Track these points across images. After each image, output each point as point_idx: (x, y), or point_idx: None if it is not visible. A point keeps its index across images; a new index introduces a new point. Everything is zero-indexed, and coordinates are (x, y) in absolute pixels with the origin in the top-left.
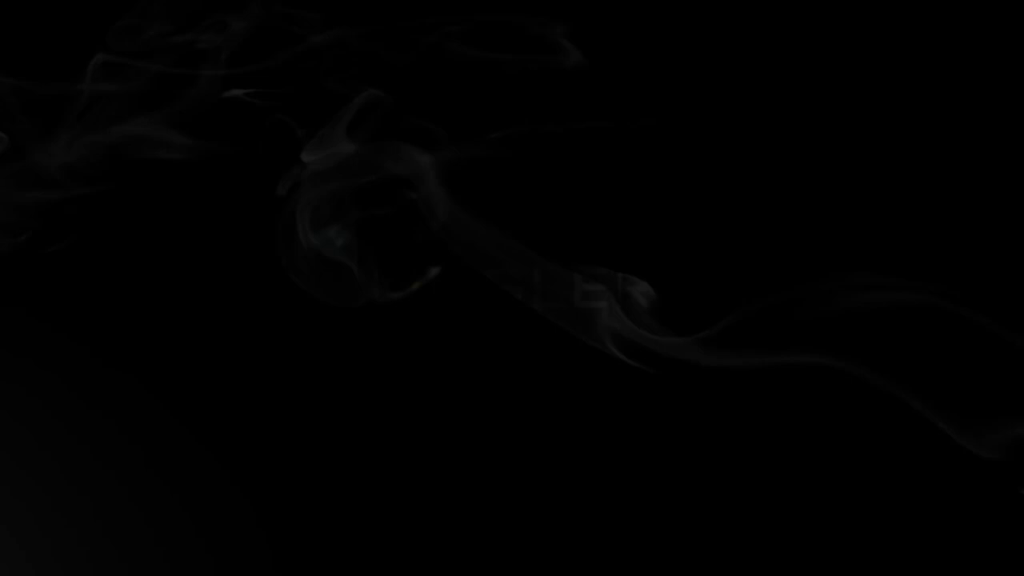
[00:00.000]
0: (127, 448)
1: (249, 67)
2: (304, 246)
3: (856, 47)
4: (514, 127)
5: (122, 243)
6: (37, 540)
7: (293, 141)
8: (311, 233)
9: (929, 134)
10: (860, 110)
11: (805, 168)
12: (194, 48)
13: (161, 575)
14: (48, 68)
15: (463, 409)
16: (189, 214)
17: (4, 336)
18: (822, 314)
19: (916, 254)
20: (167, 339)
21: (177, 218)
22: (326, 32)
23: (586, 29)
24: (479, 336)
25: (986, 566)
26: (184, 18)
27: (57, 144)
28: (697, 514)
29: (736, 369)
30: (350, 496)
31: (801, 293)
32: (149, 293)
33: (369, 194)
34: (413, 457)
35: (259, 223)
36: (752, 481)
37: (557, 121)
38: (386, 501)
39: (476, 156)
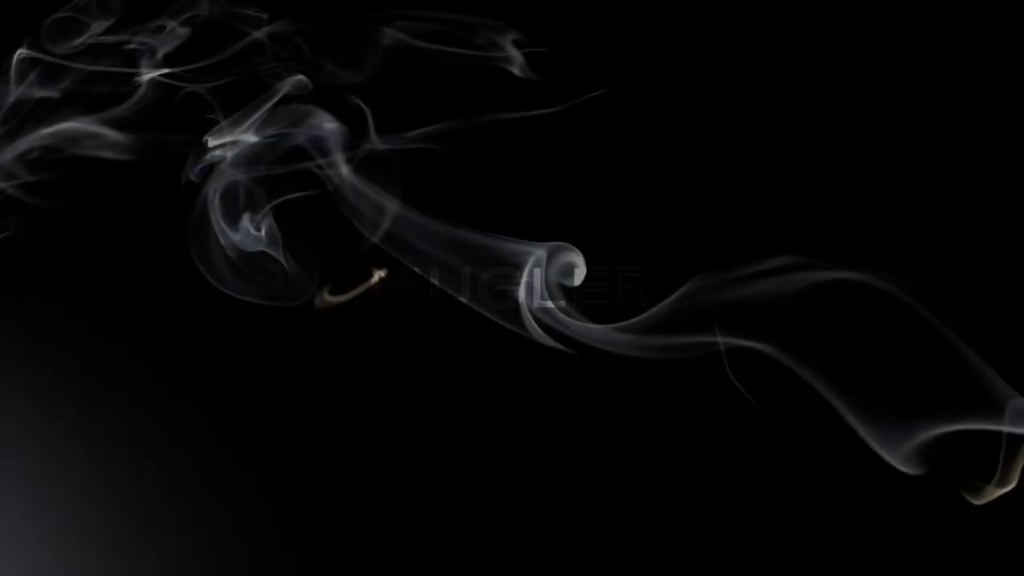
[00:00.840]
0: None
1: (189, 64)
2: (222, 240)
3: (799, 33)
4: (450, 120)
5: (54, 240)
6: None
7: (208, 124)
8: (227, 225)
9: (866, 117)
10: (798, 91)
11: (733, 155)
12: (129, 46)
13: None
14: None
15: (401, 405)
16: (122, 210)
17: None
18: (748, 297)
19: (847, 238)
20: (102, 336)
21: (111, 214)
22: (271, 26)
23: (539, 34)
24: (413, 331)
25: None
26: (122, 14)
27: None
28: (621, 501)
29: (661, 355)
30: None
31: (728, 276)
32: (83, 291)
33: (287, 177)
34: (360, 455)
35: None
36: (676, 468)
37: (489, 113)
38: (324, 504)
39: (406, 150)
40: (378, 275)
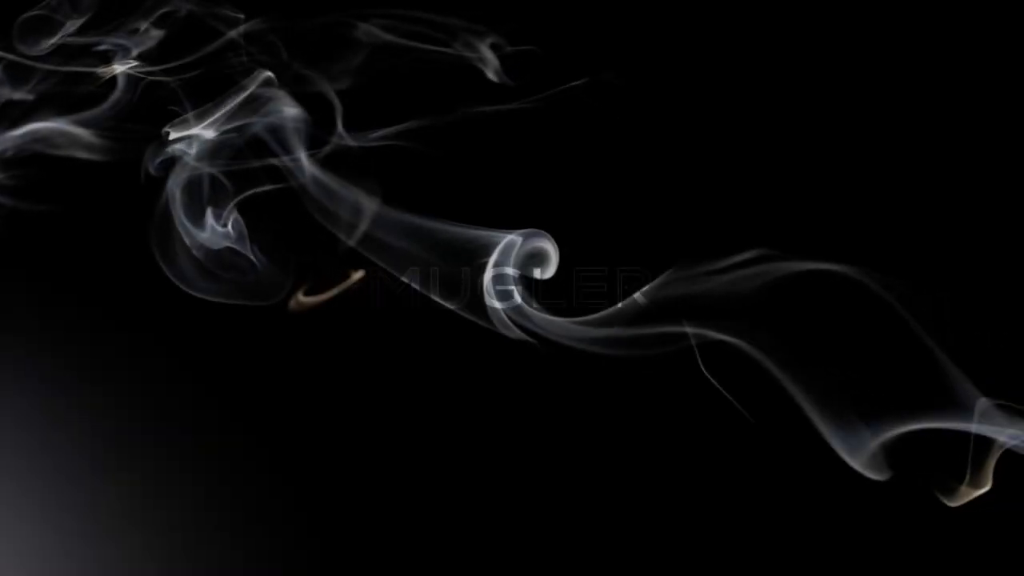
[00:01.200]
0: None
1: (162, 62)
2: (185, 237)
3: (779, 33)
4: (432, 116)
5: (35, 238)
6: None
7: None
8: (190, 220)
9: (856, 115)
10: (787, 89)
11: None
12: (101, 47)
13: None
14: None
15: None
16: (97, 207)
17: None
18: (716, 290)
19: (832, 233)
20: (96, 335)
21: (84, 212)
22: (247, 24)
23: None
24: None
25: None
26: (95, 12)
27: None
28: (601, 496)
29: (631, 350)
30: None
31: (700, 269)
32: (71, 290)
33: (253, 170)
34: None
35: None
36: (648, 466)
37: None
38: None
39: (386, 147)
40: (356, 276)
